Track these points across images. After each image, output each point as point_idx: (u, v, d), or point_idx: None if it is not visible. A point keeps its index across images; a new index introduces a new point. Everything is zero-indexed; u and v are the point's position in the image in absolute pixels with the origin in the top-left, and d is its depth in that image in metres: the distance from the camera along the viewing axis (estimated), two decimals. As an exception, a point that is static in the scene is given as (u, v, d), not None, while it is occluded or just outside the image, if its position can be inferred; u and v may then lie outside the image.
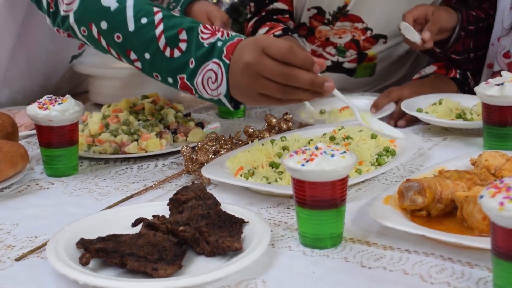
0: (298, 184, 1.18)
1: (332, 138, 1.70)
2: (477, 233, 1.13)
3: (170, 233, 1.16)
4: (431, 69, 2.10)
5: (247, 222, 1.21)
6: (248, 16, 2.25)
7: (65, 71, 2.11)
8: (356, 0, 2.18)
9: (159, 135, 1.73)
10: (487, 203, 0.94)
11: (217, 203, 1.26)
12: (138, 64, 1.47)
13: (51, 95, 1.60)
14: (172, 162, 1.68)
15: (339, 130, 1.76)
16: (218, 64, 1.36)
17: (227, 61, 1.35)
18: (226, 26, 2.01)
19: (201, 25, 1.42)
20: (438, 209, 1.30)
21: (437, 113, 1.89)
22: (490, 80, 1.68)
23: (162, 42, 1.42)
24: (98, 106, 2.05)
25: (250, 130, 1.77)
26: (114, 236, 1.14)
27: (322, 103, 2.08)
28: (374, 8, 2.19)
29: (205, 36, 1.39)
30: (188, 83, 1.41)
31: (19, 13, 1.83)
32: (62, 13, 1.47)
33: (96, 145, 1.69)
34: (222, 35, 1.40)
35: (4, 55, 1.95)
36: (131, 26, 1.43)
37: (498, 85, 1.63)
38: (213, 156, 1.59)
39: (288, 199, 1.35)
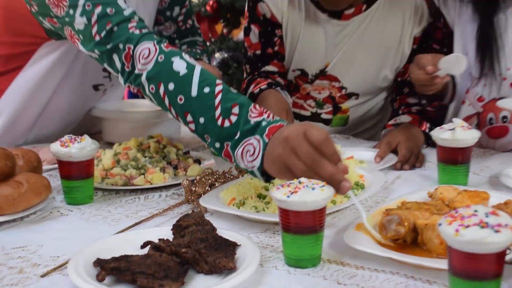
0: (284, 212, 1.17)
1: None
2: (435, 255, 1.13)
3: (174, 254, 1.15)
4: (406, 119, 2.06)
5: (240, 245, 1.21)
6: (244, 75, 2.23)
7: (85, 116, 2.11)
8: (334, 64, 2.15)
9: (163, 170, 1.71)
10: (445, 230, 0.95)
11: (214, 229, 1.25)
12: (192, 125, 1.44)
13: (71, 135, 1.58)
14: (174, 193, 1.65)
15: None
16: (258, 140, 1.32)
17: (267, 139, 1.31)
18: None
19: (252, 105, 1.39)
20: (412, 237, 1.28)
21: None
22: (443, 125, 1.68)
23: (218, 111, 1.38)
24: (110, 144, 2.03)
25: None
26: (125, 256, 1.13)
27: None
28: (349, 70, 2.16)
29: (253, 114, 1.36)
30: (230, 151, 1.38)
31: (60, 73, 1.81)
32: (136, 71, 1.46)
33: (108, 178, 1.67)
34: (268, 117, 1.36)
35: (38, 108, 1.92)
36: (194, 92, 1.40)
37: (450, 130, 1.63)
38: (209, 188, 1.57)
39: (274, 225, 1.34)
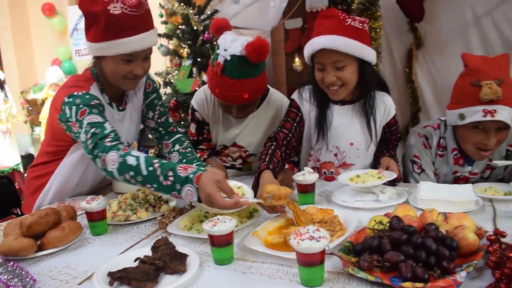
0: (210, 236, 1.27)
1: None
2: (293, 250, 1.13)
3: (152, 264, 1.21)
4: (285, 166, 2.08)
5: (188, 255, 1.28)
6: None
7: (102, 178, 2.10)
8: (239, 139, 2.19)
9: (147, 209, 1.73)
10: (292, 242, 1.09)
11: (174, 246, 1.29)
12: (152, 189, 1.50)
13: (92, 195, 1.64)
14: (153, 223, 1.66)
15: None
16: (191, 187, 1.40)
17: (196, 185, 1.39)
18: None
19: (178, 166, 1.45)
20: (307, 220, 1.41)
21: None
22: (298, 172, 1.73)
23: (161, 178, 1.44)
24: (117, 193, 2.02)
25: (191, 202, 1.72)
26: (125, 268, 1.19)
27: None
28: (249, 142, 2.20)
29: (181, 171, 1.43)
30: (178, 195, 1.44)
31: (86, 159, 1.82)
32: (109, 169, 1.53)
33: (115, 218, 1.69)
34: (191, 169, 1.43)
35: (75, 179, 1.96)
36: (144, 172, 1.47)
37: (303, 174, 1.69)
38: (172, 219, 1.61)
39: (207, 241, 1.33)
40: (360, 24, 1.79)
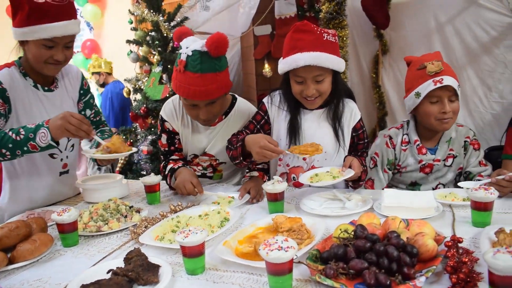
0: (182, 247, 1.29)
1: (206, 215, 1.71)
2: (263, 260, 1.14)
3: (125, 276, 1.22)
4: (255, 173, 2.14)
5: (161, 266, 1.29)
6: (162, 159, 2.29)
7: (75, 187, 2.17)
8: (209, 148, 2.19)
9: (118, 219, 1.74)
10: (262, 252, 1.11)
11: (146, 258, 1.31)
12: (8, 154, 1.73)
13: (64, 207, 1.64)
14: (125, 234, 1.67)
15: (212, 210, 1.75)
16: (44, 129, 1.68)
17: (47, 125, 1.69)
18: None
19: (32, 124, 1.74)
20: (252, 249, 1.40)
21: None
22: (268, 182, 1.76)
23: (14, 136, 1.70)
24: (88, 203, 2.04)
25: (162, 212, 1.79)
26: (98, 281, 1.19)
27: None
28: (218, 150, 2.20)
29: (30, 125, 1.72)
30: (34, 143, 1.69)
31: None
32: None
33: (86, 228, 1.68)
34: (41, 122, 1.72)
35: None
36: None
37: (272, 183, 1.74)
38: (144, 229, 1.62)
39: (179, 251, 1.36)
40: (333, 38, 1.88)
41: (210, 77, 1.89)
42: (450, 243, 1.23)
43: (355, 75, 4.35)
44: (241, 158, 1.90)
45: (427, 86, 1.99)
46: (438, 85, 1.95)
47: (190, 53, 1.87)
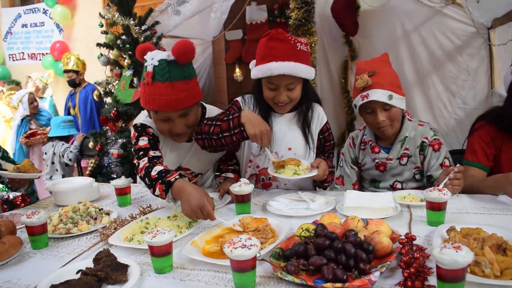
0: (150, 247, 1.32)
1: (174, 216, 1.73)
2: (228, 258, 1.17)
3: (94, 276, 1.24)
4: (231, 175, 2.19)
5: (129, 265, 1.32)
6: (135, 156, 1.95)
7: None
8: (185, 162, 2.19)
9: (88, 221, 1.75)
10: (226, 250, 1.16)
11: (115, 258, 1.33)
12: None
13: (33, 210, 1.64)
14: (94, 236, 1.69)
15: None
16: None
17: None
18: None
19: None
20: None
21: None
22: (235, 184, 1.81)
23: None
24: (58, 206, 2.04)
25: (132, 214, 1.81)
26: (67, 281, 1.21)
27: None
28: (195, 163, 2.21)
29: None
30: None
31: None
32: None
33: (56, 231, 1.69)
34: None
35: None
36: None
37: (239, 185, 1.78)
38: (114, 231, 1.64)
39: (148, 251, 1.36)
40: (305, 47, 1.95)
41: (180, 85, 1.82)
42: (404, 241, 1.31)
43: (324, 81, 4.45)
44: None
45: (358, 100, 2.10)
46: (365, 100, 2.04)
47: (157, 63, 1.81)
